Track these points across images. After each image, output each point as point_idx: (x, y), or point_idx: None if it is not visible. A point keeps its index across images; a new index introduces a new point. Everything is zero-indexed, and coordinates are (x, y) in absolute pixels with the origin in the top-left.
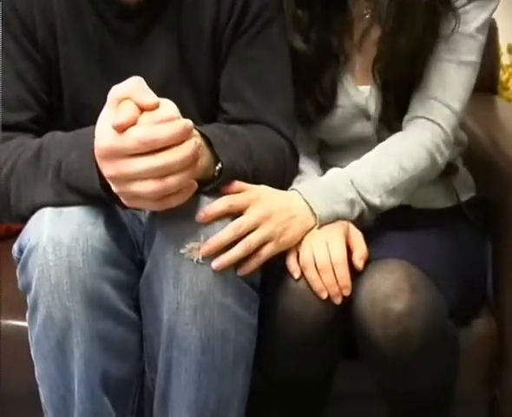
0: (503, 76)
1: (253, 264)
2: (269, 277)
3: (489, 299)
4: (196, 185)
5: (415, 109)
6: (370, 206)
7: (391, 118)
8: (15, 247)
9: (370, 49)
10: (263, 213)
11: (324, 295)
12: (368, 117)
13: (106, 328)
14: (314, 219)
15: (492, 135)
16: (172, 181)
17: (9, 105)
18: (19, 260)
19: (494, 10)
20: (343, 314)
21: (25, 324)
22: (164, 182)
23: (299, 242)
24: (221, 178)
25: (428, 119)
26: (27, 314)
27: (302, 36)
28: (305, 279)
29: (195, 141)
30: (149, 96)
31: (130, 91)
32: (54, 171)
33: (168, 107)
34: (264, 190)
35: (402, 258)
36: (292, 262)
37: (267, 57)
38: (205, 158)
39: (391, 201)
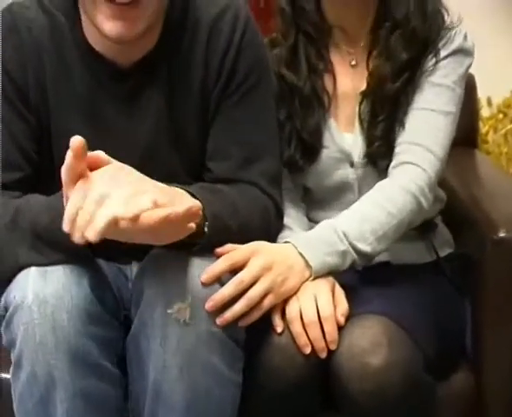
0: (483, 128)
1: (255, 316)
2: (252, 333)
3: (468, 355)
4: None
5: (399, 156)
6: (361, 254)
7: (377, 157)
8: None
9: (352, 96)
10: (264, 264)
11: (308, 350)
12: (351, 164)
13: (89, 386)
14: (309, 270)
15: (471, 190)
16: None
17: (1, 166)
18: (4, 317)
19: (470, 66)
20: (323, 368)
21: None
22: None
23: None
24: (206, 236)
25: (412, 164)
26: (10, 370)
27: (293, 72)
28: (290, 332)
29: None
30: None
31: None
32: (32, 232)
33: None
34: (260, 243)
35: (380, 314)
36: (276, 316)
37: (253, 119)
38: None
39: (381, 247)
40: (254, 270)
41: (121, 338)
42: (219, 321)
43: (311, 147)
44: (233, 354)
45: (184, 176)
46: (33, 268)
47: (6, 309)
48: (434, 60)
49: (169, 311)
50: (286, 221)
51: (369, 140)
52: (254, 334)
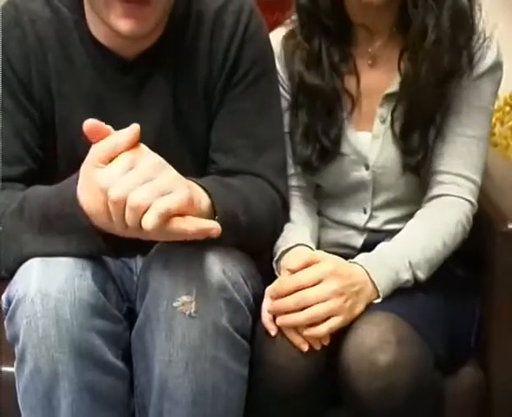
0: None
1: (321, 331)
2: (256, 329)
3: (473, 348)
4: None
5: (445, 187)
6: (416, 281)
7: (419, 167)
8: (3, 297)
9: (371, 95)
10: (336, 289)
11: (305, 348)
12: (367, 167)
13: (93, 379)
14: (376, 294)
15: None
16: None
17: (3, 159)
18: (7, 311)
19: (501, 80)
20: (329, 365)
21: None
22: None
23: None
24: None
25: (460, 197)
26: (14, 365)
27: (314, 72)
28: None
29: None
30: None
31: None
32: (39, 219)
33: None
34: (335, 262)
35: (389, 311)
36: (267, 320)
37: (257, 111)
38: (204, 205)
39: (429, 274)
40: (323, 294)
41: (125, 331)
42: (279, 322)
43: (330, 152)
44: (239, 347)
45: (191, 168)
46: (36, 261)
47: (9, 303)
48: (470, 76)
49: (175, 304)
50: (292, 215)
51: (406, 151)
52: (259, 331)
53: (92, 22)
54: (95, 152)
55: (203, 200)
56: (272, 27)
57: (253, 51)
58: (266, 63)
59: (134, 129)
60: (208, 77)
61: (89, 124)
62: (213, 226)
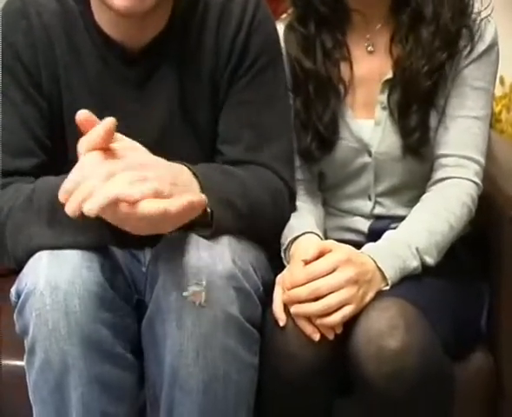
0: (496, 107)
1: (335, 319)
2: (266, 317)
3: (483, 334)
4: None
5: (449, 169)
6: (425, 266)
7: (417, 147)
8: (12, 290)
9: (371, 82)
10: (351, 277)
11: (317, 337)
12: (369, 153)
13: (103, 371)
14: (385, 282)
15: (486, 168)
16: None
17: (13, 151)
18: (17, 303)
19: (498, 57)
20: (339, 352)
21: None
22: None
23: None
24: (213, 217)
25: (464, 179)
26: (25, 358)
27: (309, 58)
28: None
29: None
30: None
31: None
32: (48, 211)
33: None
34: (349, 251)
35: (397, 296)
36: (278, 310)
37: (264, 101)
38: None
39: (438, 258)
40: (338, 282)
41: (133, 323)
42: (292, 310)
43: (328, 139)
44: (249, 336)
45: (198, 160)
46: (45, 253)
47: (18, 296)
48: (470, 56)
49: (185, 294)
50: (297, 205)
51: (404, 132)
52: (270, 319)
53: (97, 12)
54: (80, 144)
55: (193, 186)
56: (278, 17)
57: (260, 41)
58: (273, 53)
59: (106, 123)
60: (215, 68)
61: (82, 117)
62: (196, 199)
